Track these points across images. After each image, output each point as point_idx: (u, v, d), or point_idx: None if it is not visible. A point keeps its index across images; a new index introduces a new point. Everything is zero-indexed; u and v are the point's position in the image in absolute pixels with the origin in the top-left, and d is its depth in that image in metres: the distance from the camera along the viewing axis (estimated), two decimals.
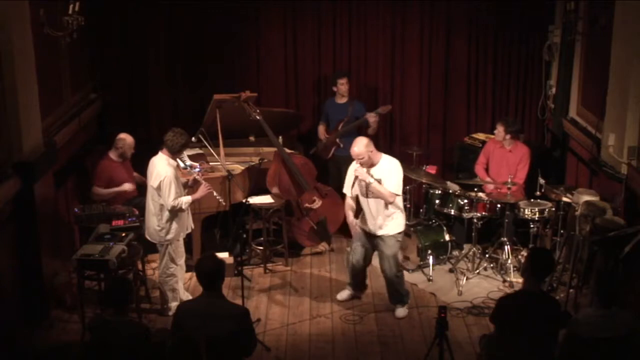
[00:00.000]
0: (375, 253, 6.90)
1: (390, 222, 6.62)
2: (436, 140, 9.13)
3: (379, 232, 6.65)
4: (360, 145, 6.45)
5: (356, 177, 6.55)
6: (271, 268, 7.83)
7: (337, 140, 8.25)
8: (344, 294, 7.18)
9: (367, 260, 6.95)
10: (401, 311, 6.91)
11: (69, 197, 7.65)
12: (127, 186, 7.60)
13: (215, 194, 6.86)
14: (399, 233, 6.70)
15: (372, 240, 6.76)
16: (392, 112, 8.66)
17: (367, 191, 6.55)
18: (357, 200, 6.77)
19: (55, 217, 7.05)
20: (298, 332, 6.64)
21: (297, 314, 6.94)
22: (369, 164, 6.49)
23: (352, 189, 6.70)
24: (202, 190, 6.74)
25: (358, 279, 7.11)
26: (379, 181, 6.47)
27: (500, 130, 7.75)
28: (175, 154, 6.55)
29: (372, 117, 8.15)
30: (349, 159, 8.35)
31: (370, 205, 6.60)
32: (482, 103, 9.03)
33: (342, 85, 8.34)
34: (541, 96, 8.89)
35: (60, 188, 7.34)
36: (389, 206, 6.55)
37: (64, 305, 6.81)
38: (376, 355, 6.31)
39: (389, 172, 6.53)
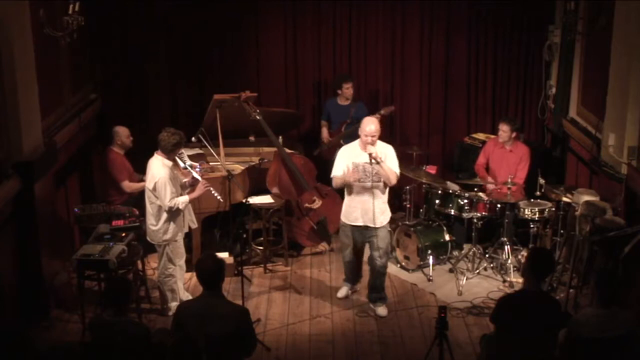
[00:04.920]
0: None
1: (384, 212, 6.69)
2: (436, 140, 9.14)
3: (375, 224, 6.66)
4: (376, 123, 6.53)
5: (351, 163, 6.55)
6: (271, 268, 7.83)
7: (341, 142, 8.21)
8: (343, 291, 7.21)
9: (361, 253, 7.04)
10: (384, 310, 6.90)
11: (69, 197, 7.65)
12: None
13: (212, 191, 6.84)
14: (388, 223, 6.81)
15: (363, 234, 6.76)
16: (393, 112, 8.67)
17: (372, 175, 6.51)
18: (342, 191, 6.83)
19: (55, 217, 7.05)
20: (298, 332, 6.64)
21: (297, 314, 6.94)
22: (374, 145, 6.51)
23: (351, 174, 6.60)
24: (199, 189, 6.72)
25: (356, 272, 7.19)
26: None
27: (505, 129, 7.72)
28: (169, 153, 6.52)
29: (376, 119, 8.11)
30: None
31: (374, 193, 6.57)
32: (482, 103, 9.04)
33: (348, 90, 8.35)
34: (541, 96, 8.89)
35: (60, 188, 7.35)
36: (384, 195, 6.66)
37: (64, 305, 6.81)
38: (376, 355, 6.31)
39: (388, 153, 6.62)
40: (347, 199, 6.78)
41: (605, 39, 7.08)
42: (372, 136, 6.46)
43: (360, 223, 6.70)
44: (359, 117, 8.24)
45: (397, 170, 6.64)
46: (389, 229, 6.90)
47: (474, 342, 6.31)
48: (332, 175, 6.78)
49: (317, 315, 6.90)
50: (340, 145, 8.19)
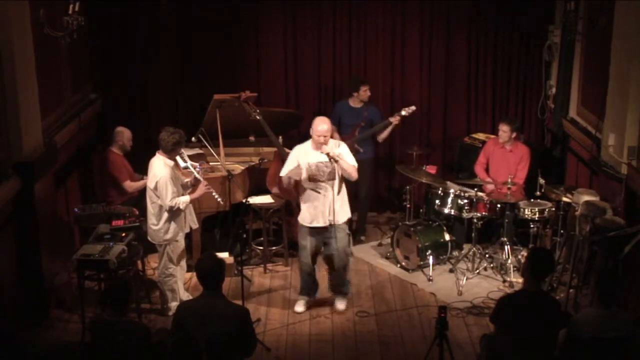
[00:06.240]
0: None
1: (343, 209, 6.64)
2: (436, 140, 9.13)
3: (334, 222, 6.54)
4: (328, 123, 6.51)
5: (304, 163, 6.51)
6: (271, 268, 7.83)
7: (355, 145, 8.07)
8: (301, 306, 6.95)
9: (315, 260, 6.86)
10: (342, 304, 6.93)
11: (69, 197, 7.65)
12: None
13: (214, 193, 6.85)
14: (347, 221, 6.75)
15: (322, 235, 6.66)
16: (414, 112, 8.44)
17: (329, 172, 6.46)
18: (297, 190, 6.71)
19: (55, 217, 7.05)
20: (298, 332, 6.64)
21: (297, 314, 6.94)
22: (326, 144, 6.49)
23: (305, 171, 6.54)
24: (200, 190, 6.73)
25: (312, 281, 6.98)
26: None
27: (505, 129, 7.71)
28: (169, 153, 6.52)
29: (396, 120, 8.01)
30: (369, 162, 8.18)
31: (329, 192, 6.49)
32: (482, 103, 9.04)
33: (365, 92, 8.14)
34: (541, 96, 8.89)
35: (60, 188, 7.34)
36: (340, 192, 6.58)
37: (64, 305, 6.81)
38: (376, 355, 6.31)
39: (342, 150, 6.59)
40: (302, 201, 6.67)
41: (605, 39, 7.08)
42: (324, 136, 6.44)
43: (318, 224, 6.61)
44: (373, 120, 8.19)
45: (355, 164, 6.61)
46: (348, 232, 6.80)
47: (474, 342, 6.31)
48: (281, 174, 6.70)
49: (317, 315, 6.90)
50: (355, 149, 8.04)
